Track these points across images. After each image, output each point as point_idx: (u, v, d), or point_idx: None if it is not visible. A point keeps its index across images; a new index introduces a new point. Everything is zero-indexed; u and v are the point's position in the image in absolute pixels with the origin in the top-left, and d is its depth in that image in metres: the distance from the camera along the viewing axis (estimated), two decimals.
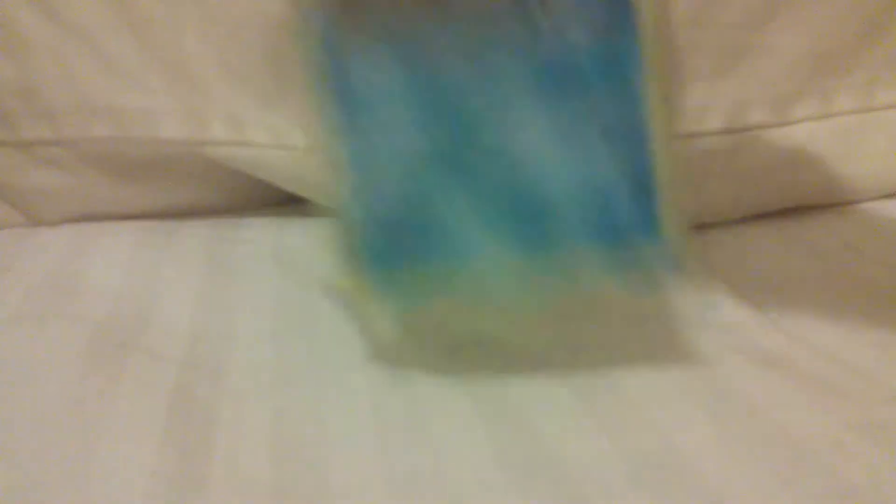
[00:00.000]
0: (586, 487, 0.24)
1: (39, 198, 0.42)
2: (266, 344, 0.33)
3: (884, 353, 0.32)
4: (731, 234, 0.43)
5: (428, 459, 0.27)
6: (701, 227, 0.43)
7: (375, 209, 0.27)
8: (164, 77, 0.39)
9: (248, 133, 0.40)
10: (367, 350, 0.30)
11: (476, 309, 0.28)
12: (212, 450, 0.27)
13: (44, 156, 0.41)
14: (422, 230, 0.27)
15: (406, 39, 0.26)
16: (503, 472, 0.25)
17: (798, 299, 0.37)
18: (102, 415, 0.28)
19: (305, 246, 0.41)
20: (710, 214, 0.44)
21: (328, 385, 0.31)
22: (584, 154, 0.26)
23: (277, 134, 0.40)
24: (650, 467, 0.26)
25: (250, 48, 0.39)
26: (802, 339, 0.33)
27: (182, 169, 0.43)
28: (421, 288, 0.28)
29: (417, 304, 0.28)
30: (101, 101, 0.39)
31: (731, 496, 0.24)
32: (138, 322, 0.34)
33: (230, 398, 0.30)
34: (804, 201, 0.45)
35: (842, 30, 0.41)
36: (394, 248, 0.27)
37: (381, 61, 0.26)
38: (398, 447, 0.28)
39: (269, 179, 0.42)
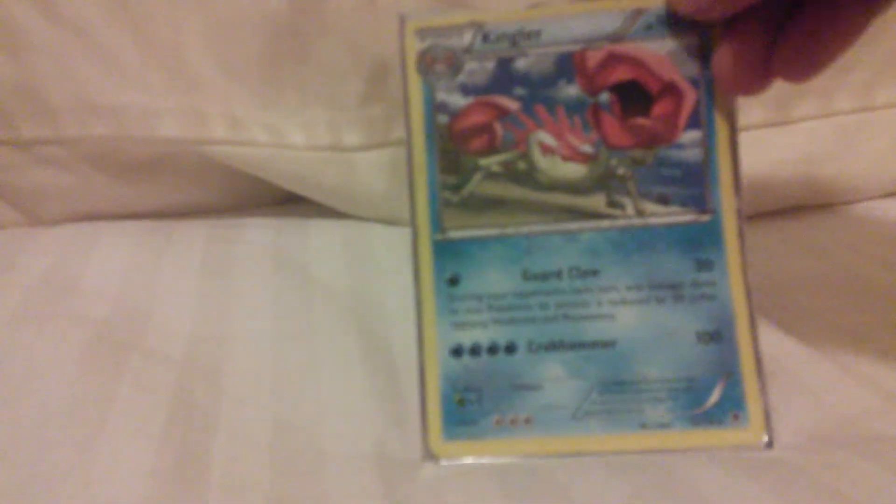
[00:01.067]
0: None
1: (39, 197, 0.42)
2: (265, 345, 0.33)
3: (883, 354, 0.32)
4: None
5: None
6: None
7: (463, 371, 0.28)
8: (164, 76, 0.39)
9: (248, 133, 0.40)
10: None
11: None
12: (210, 451, 0.27)
13: (44, 155, 0.40)
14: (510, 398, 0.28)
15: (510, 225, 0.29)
16: None
17: (798, 299, 0.37)
18: (102, 415, 0.28)
19: (305, 246, 0.41)
20: None
21: (327, 387, 0.31)
22: (676, 346, 0.28)
23: (277, 134, 0.40)
24: None
25: (251, 47, 0.38)
26: (800, 340, 0.33)
27: (182, 169, 0.43)
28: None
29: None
30: (100, 100, 0.39)
31: None
32: (138, 322, 0.34)
33: (229, 399, 0.30)
34: (804, 201, 0.45)
35: None
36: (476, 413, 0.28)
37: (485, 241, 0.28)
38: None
39: (269, 179, 0.42)
